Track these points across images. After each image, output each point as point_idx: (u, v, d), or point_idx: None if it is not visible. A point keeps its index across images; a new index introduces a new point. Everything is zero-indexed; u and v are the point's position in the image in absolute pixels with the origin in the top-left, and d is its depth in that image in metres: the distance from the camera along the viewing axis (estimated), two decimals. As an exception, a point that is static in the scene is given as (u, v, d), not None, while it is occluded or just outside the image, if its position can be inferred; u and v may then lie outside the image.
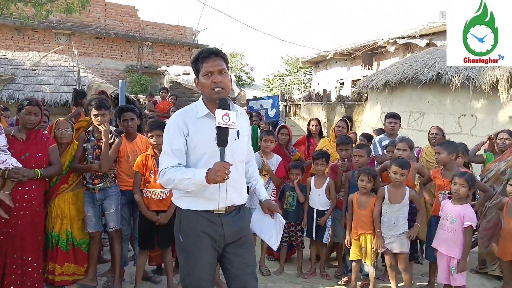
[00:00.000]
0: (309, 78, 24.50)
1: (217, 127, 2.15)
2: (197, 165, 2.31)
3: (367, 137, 5.69)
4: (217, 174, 2.12)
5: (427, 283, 4.12)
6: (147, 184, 3.66)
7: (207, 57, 2.30)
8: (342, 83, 17.02)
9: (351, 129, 7.36)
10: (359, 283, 4.15)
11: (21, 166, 3.38)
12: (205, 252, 2.36)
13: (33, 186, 3.47)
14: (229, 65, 2.44)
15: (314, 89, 16.36)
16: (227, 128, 2.17)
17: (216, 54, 2.32)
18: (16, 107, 3.73)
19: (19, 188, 3.39)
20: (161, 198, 3.64)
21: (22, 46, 14.12)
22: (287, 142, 5.25)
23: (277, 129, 5.54)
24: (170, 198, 3.62)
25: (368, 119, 10.65)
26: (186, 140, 2.31)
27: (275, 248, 2.83)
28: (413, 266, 4.36)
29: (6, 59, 10.14)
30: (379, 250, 3.88)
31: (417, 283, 4.23)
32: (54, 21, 14.85)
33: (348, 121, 5.63)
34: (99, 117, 3.81)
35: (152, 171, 3.64)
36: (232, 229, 2.39)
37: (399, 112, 9.06)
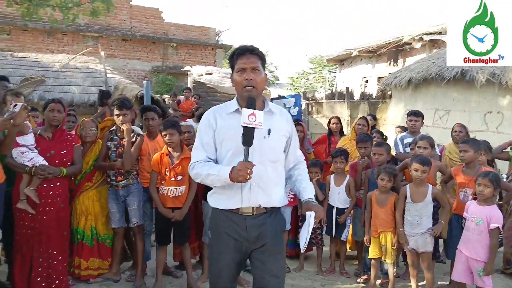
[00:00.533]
0: (334, 76, 24.32)
1: (243, 126, 2.14)
2: (222, 161, 2.32)
3: (382, 134, 5.62)
4: (239, 174, 2.12)
5: (448, 283, 4.06)
6: (162, 182, 3.74)
7: (241, 54, 2.28)
8: (367, 81, 16.82)
9: (374, 127, 7.32)
10: (378, 281, 4.13)
11: (47, 164, 3.53)
12: (226, 252, 2.34)
13: (58, 183, 3.61)
14: (265, 64, 2.38)
15: (337, 87, 16.21)
16: (253, 128, 2.14)
17: (251, 51, 2.29)
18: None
19: (45, 185, 3.53)
20: (176, 195, 3.72)
21: (52, 49, 14.58)
22: (302, 139, 5.17)
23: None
24: (185, 195, 3.74)
25: (392, 117, 10.49)
26: (214, 134, 2.33)
27: (302, 250, 2.65)
28: (435, 265, 4.29)
29: (37, 61, 10.50)
30: (405, 249, 3.83)
31: (439, 282, 4.17)
32: (82, 25, 15.26)
33: (368, 119, 5.58)
34: (121, 116, 3.93)
35: (167, 169, 3.72)
36: (257, 233, 2.31)
37: (424, 109, 8.90)
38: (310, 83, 28.12)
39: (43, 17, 8.48)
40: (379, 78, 15.36)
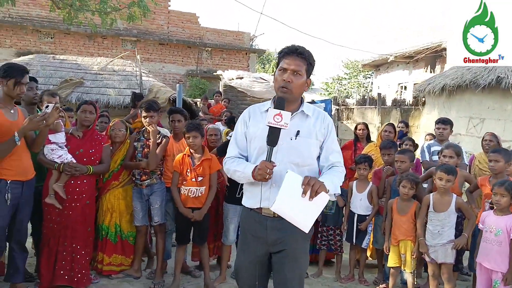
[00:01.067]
0: (370, 82, 23.97)
1: (269, 126, 2.14)
2: (251, 158, 2.34)
3: (413, 142, 5.51)
4: (258, 173, 2.13)
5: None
6: (183, 182, 3.83)
7: (287, 54, 2.26)
8: (404, 87, 16.48)
9: (406, 135, 7.18)
10: (397, 291, 4.06)
11: (75, 161, 3.70)
12: (246, 251, 2.39)
13: (85, 181, 3.77)
14: (312, 69, 2.31)
15: (369, 93, 15.95)
16: (279, 128, 2.13)
17: (298, 53, 2.24)
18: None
19: (72, 182, 3.70)
20: (196, 196, 3.80)
21: (92, 52, 15.19)
22: None
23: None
24: (205, 196, 3.81)
25: (425, 124, 10.23)
26: (246, 131, 2.36)
27: (307, 230, 2.23)
28: (457, 277, 4.17)
29: (77, 64, 10.97)
30: (426, 259, 3.75)
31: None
32: (121, 29, 15.82)
33: (394, 126, 5.49)
34: (148, 118, 4.05)
35: (188, 170, 3.81)
36: (276, 237, 2.28)
37: (458, 117, 8.71)
38: (345, 89, 27.79)
39: (83, 21, 8.85)
40: (415, 85, 15.02)
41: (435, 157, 4.80)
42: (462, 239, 3.64)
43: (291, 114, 2.24)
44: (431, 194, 3.81)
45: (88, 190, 3.83)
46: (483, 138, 4.98)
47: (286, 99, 2.21)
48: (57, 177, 3.66)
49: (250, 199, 2.34)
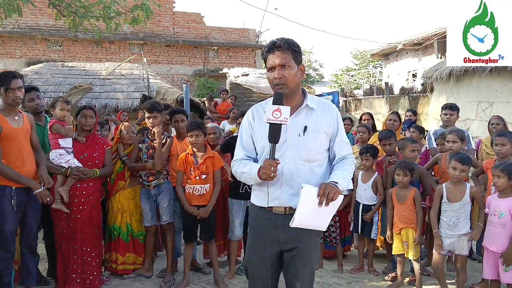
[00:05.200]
0: (380, 71, 23.75)
1: (268, 122, 2.09)
2: (259, 158, 2.29)
3: (420, 130, 5.46)
4: (262, 172, 2.08)
5: (480, 281, 3.91)
6: (188, 181, 3.89)
7: (269, 52, 2.20)
8: (414, 75, 16.28)
9: (415, 122, 7.12)
10: (407, 279, 4.05)
11: (82, 165, 3.79)
12: (258, 251, 2.33)
13: (90, 184, 3.85)
14: (300, 55, 2.25)
15: (376, 82, 15.80)
16: (279, 124, 2.07)
17: (278, 47, 2.18)
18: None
19: (78, 185, 3.78)
20: (201, 194, 3.85)
21: (101, 58, 15.38)
22: None
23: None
24: (209, 193, 3.86)
25: (434, 111, 10.11)
26: (251, 133, 2.31)
27: (290, 224, 2.15)
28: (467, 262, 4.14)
29: (85, 70, 11.15)
30: (436, 252, 3.66)
31: (471, 282, 4.02)
32: (128, 33, 15.98)
33: (399, 114, 5.44)
34: (151, 119, 4.11)
35: (191, 168, 3.87)
36: (288, 234, 2.22)
37: (466, 102, 8.59)
38: (355, 80, 27.59)
39: (87, 28, 8.99)
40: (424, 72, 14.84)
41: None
42: (478, 229, 3.55)
43: (297, 109, 2.23)
44: (444, 184, 3.74)
45: (94, 192, 3.91)
46: (489, 121, 4.92)
47: (285, 94, 2.16)
48: (62, 181, 3.75)
49: (259, 197, 2.29)
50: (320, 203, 2.03)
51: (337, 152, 2.30)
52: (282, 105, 2.08)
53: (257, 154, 2.33)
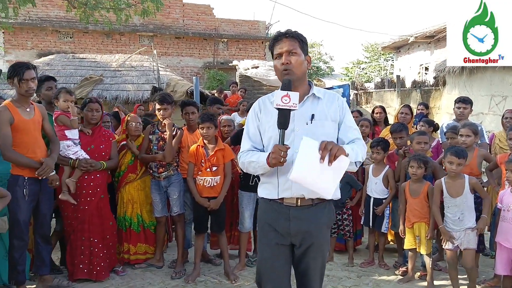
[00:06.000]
0: (391, 64, 23.53)
1: (277, 108, 2.06)
2: (267, 149, 2.26)
3: (429, 123, 5.39)
4: (272, 157, 2.04)
5: (492, 277, 3.87)
6: (199, 173, 3.89)
7: (277, 40, 2.24)
8: (426, 68, 16.08)
9: (427, 116, 7.05)
10: (417, 274, 4.03)
11: (89, 157, 3.81)
12: (267, 245, 2.29)
13: (98, 175, 3.89)
14: (306, 46, 2.29)
15: (387, 76, 15.63)
16: (288, 110, 2.05)
17: (285, 35, 2.22)
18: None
19: (85, 177, 3.82)
20: (212, 185, 3.86)
21: (111, 49, 15.45)
22: None
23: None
24: (220, 185, 3.87)
25: (446, 105, 9.98)
26: (259, 124, 2.31)
27: (329, 196, 2.14)
28: (479, 258, 4.11)
29: (96, 61, 11.20)
30: (446, 248, 3.61)
31: (483, 277, 3.99)
32: (138, 25, 16.00)
33: (411, 107, 5.39)
34: (161, 111, 4.11)
35: (202, 160, 3.87)
36: (300, 227, 2.20)
37: (479, 96, 8.46)
38: (365, 73, 27.37)
39: (97, 20, 9.02)
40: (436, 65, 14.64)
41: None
42: (482, 221, 3.50)
43: (303, 98, 2.22)
44: (443, 178, 3.66)
45: (101, 184, 3.94)
46: (503, 115, 4.85)
47: (292, 80, 2.16)
48: (69, 173, 3.77)
49: (269, 190, 2.26)
50: (322, 158, 1.96)
51: (344, 136, 2.27)
52: (291, 91, 2.07)
53: (263, 146, 2.31)
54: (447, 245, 3.58)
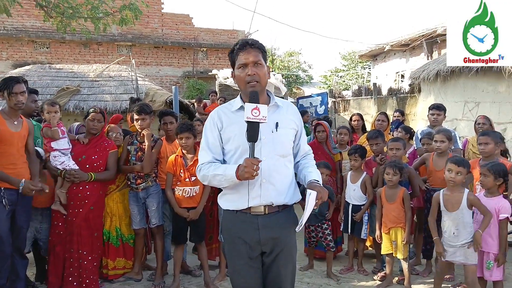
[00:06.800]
0: (368, 72, 23.92)
1: (247, 121, 2.06)
2: (231, 160, 2.23)
3: (406, 130, 5.50)
4: (245, 171, 2.03)
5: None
6: (178, 183, 3.88)
7: (241, 49, 2.17)
8: (402, 75, 16.41)
9: (403, 123, 7.17)
10: (396, 278, 4.08)
11: (77, 168, 3.76)
12: (240, 258, 2.26)
13: (87, 187, 3.83)
14: (267, 56, 2.31)
15: (364, 83, 15.89)
16: (258, 123, 2.06)
17: (251, 45, 2.18)
18: (83, 116, 4.18)
19: (74, 188, 3.78)
20: (191, 195, 3.85)
21: (88, 59, 15.25)
22: (325, 139, 5.00)
23: (313, 127, 5.51)
24: (199, 195, 3.85)
25: (422, 111, 10.21)
26: (220, 134, 2.24)
27: (297, 229, 2.32)
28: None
29: (73, 72, 11.02)
30: (441, 259, 3.52)
31: (459, 280, 4.07)
32: (116, 34, 15.87)
33: (387, 114, 5.49)
34: (139, 121, 4.08)
35: (181, 170, 3.85)
36: (270, 235, 2.20)
37: (453, 102, 8.68)
38: (343, 81, 27.75)
39: (75, 29, 8.92)
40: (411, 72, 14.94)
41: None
42: (478, 237, 3.30)
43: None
44: (441, 191, 3.56)
45: (92, 196, 3.86)
46: (475, 121, 4.99)
47: (260, 91, 2.17)
48: (61, 183, 3.75)
49: (235, 201, 2.22)
50: (316, 206, 2.13)
51: (302, 148, 2.40)
52: (259, 103, 2.09)
53: (223, 156, 2.28)
54: (442, 257, 3.50)
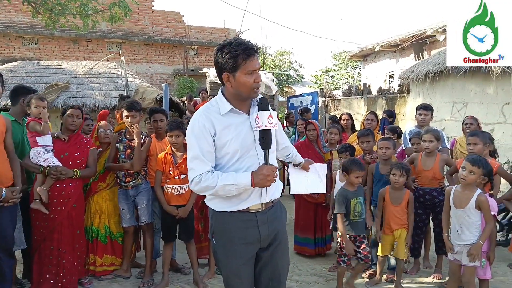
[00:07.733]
0: (359, 72, 24.05)
1: (261, 130, 2.09)
2: (227, 164, 2.18)
3: (392, 130, 5.54)
4: (267, 179, 2.06)
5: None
6: (167, 180, 3.87)
7: (251, 54, 2.12)
8: (392, 76, 16.54)
9: (393, 123, 7.23)
10: (384, 276, 4.11)
11: (61, 165, 3.71)
12: (237, 259, 2.24)
13: (70, 184, 3.77)
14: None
15: (355, 83, 15.99)
16: (270, 130, 2.11)
17: (257, 52, 2.18)
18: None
19: (57, 186, 3.71)
20: (180, 193, 3.84)
21: (78, 56, 15.11)
22: (316, 137, 4.96)
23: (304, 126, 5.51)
24: (188, 193, 3.84)
25: (411, 112, 10.30)
26: (214, 140, 2.16)
27: (324, 190, 2.93)
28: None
29: (62, 68, 10.90)
30: (449, 258, 3.49)
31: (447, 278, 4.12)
32: (106, 31, 15.74)
33: (376, 114, 5.53)
34: (129, 118, 4.05)
35: (171, 168, 3.84)
36: (269, 229, 2.24)
37: (442, 103, 8.78)
38: (334, 80, 27.87)
39: (64, 25, 8.83)
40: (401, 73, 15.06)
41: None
42: (475, 247, 3.21)
43: (250, 108, 2.26)
44: (454, 186, 3.48)
45: (74, 193, 3.82)
46: (463, 121, 5.04)
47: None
48: (42, 181, 3.67)
49: (231, 202, 2.20)
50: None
51: (282, 141, 2.60)
52: (269, 110, 2.13)
53: (219, 161, 2.22)
54: (449, 256, 3.47)
